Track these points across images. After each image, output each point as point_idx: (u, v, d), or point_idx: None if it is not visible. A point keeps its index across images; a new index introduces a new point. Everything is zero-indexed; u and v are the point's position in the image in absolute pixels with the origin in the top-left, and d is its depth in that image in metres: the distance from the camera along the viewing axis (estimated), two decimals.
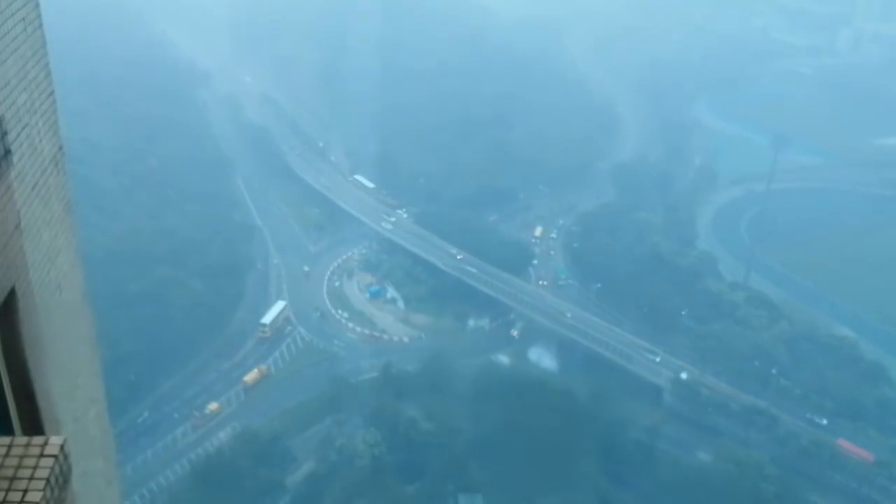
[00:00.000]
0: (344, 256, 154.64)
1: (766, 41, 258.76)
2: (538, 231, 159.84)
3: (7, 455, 7.49)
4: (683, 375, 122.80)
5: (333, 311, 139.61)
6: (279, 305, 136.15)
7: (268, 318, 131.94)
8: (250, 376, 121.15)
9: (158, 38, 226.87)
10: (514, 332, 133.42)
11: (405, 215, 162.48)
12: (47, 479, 7.30)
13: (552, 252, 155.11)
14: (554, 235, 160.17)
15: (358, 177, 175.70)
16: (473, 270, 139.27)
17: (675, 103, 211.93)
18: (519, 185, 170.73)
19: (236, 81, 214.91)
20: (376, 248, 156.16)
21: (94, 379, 11.00)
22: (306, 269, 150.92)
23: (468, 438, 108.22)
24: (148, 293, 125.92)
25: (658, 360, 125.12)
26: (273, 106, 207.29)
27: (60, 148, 9.45)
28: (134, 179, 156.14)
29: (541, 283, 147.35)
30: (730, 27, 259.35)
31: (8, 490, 7.17)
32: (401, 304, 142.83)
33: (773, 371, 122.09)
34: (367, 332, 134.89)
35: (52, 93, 9.16)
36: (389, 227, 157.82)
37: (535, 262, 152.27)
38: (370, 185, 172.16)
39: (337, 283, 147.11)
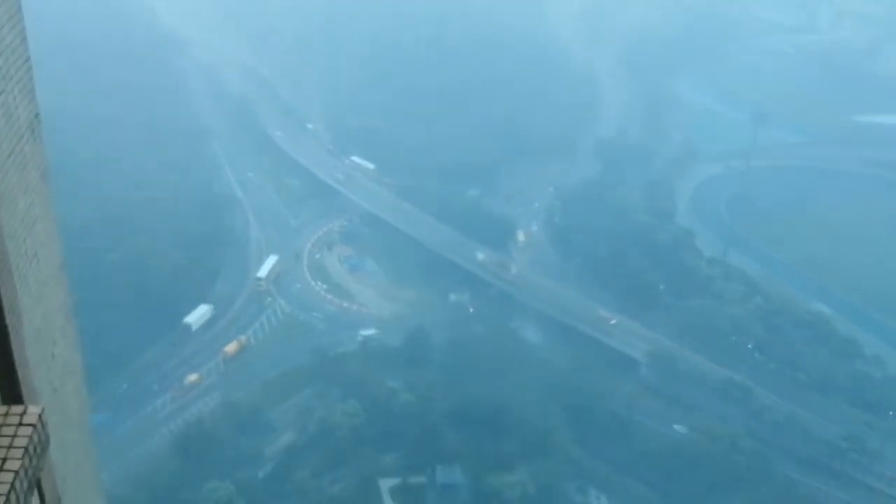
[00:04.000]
0: (325, 229, 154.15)
1: (749, 18, 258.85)
2: (521, 236, 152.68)
3: None
4: (480, 255, 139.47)
5: (313, 283, 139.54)
6: (272, 260, 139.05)
7: (263, 272, 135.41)
8: (230, 347, 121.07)
9: (138, 4, 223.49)
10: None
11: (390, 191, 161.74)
12: (26, 448, 7.31)
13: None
14: (535, 228, 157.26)
15: (355, 158, 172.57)
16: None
17: (657, 78, 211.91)
18: (501, 159, 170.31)
19: (217, 50, 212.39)
20: (357, 220, 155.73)
21: (71, 350, 10.97)
22: (250, 174, 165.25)
23: (446, 409, 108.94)
24: (127, 263, 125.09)
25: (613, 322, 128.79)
26: (254, 76, 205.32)
27: (37, 115, 9.34)
28: (112, 148, 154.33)
29: (520, 235, 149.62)
30: (713, 2, 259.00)
31: None
32: (380, 276, 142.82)
33: (749, 346, 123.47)
34: (345, 304, 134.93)
35: (27, 59, 9.03)
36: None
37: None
38: (370, 166, 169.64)
39: (317, 256, 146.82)
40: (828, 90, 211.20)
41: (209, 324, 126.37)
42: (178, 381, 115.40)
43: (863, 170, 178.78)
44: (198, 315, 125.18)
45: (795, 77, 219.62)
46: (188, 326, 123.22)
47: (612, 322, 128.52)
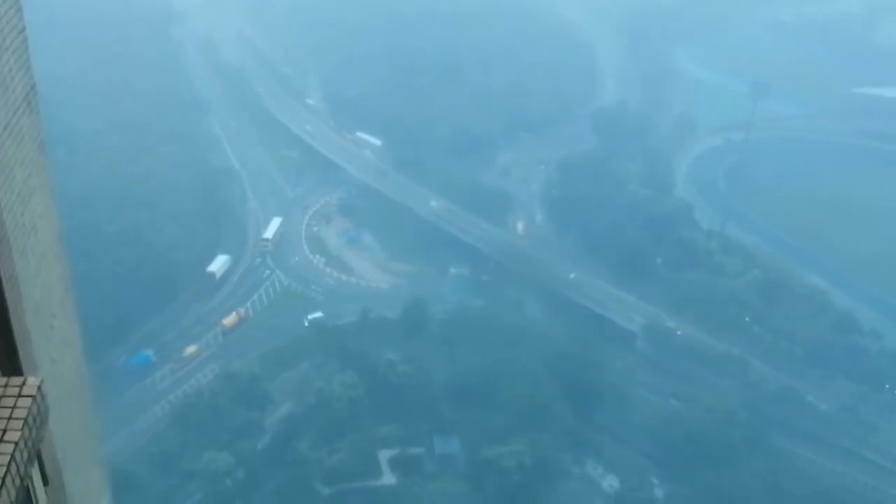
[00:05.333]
0: (322, 202, 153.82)
1: None
2: (520, 227, 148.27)
3: None
4: (433, 203, 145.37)
5: (311, 255, 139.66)
6: (276, 221, 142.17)
7: (269, 234, 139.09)
8: (229, 319, 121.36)
9: None
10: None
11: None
12: (25, 419, 7.34)
13: None
14: (539, 218, 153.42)
15: (361, 134, 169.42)
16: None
17: (656, 49, 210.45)
18: (498, 131, 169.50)
19: (212, 20, 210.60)
20: (355, 193, 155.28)
21: (70, 322, 10.98)
22: (233, 123, 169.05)
23: (444, 382, 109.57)
24: (125, 236, 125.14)
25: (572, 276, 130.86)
26: (250, 47, 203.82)
27: (33, 87, 9.27)
28: (108, 120, 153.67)
29: (518, 226, 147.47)
30: None
31: None
32: (378, 249, 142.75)
33: (746, 318, 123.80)
34: (344, 277, 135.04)
35: (23, 30, 8.96)
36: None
37: None
38: (376, 141, 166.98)
39: (315, 229, 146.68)
40: (828, 61, 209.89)
41: (207, 296, 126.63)
42: (177, 353, 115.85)
43: (862, 142, 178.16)
44: (219, 264, 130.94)
45: (795, 48, 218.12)
46: (212, 275, 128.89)
47: (679, 333, 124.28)
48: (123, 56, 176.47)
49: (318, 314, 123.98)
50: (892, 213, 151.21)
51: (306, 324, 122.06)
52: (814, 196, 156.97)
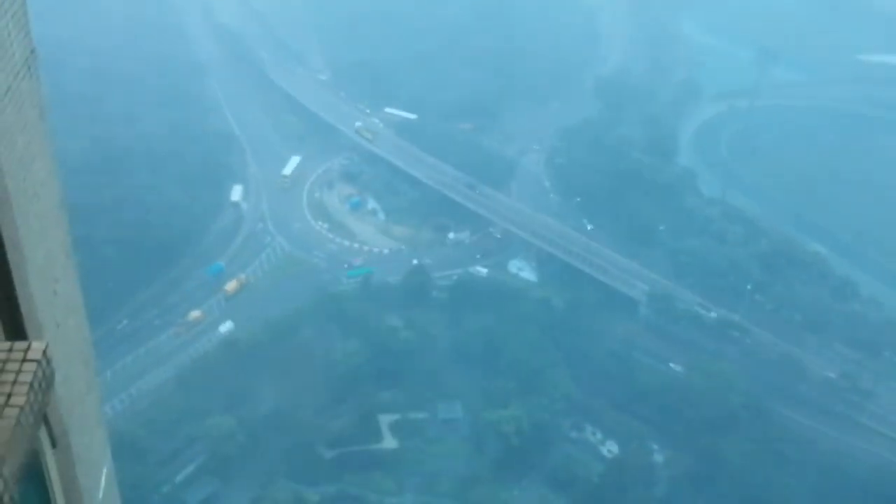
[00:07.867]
0: (324, 167, 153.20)
1: None
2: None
3: None
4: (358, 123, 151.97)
5: (313, 221, 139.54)
6: (295, 160, 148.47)
7: (288, 170, 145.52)
8: (230, 286, 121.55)
9: None
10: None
11: None
12: (30, 383, 7.40)
13: None
14: (542, 187, 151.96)
15: (390, 109, 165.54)
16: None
17: (660, 14, 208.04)
18: (501, 96, 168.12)
19: None
20: (357, 158, 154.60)
21: (72, 286, 11.02)
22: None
23: (447, 347, 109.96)
24: (125, 200, 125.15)
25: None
26: (250, 10, 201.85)
27: (33, 51, 9.21)
28: (109, 84, 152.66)
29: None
30: None
31: None
32: (381, 215, 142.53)
33: (747, 286, 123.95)
34: (346, 242, 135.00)
35: None
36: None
37: None
38: (411, 116, 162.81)
39: (317, 194, 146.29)
40: (833, 28, 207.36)
41: (206, 263, 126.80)
42: (180, 317, 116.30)
43: (866, 110, 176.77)
44: (238, 193, 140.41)
45: (801, 14, 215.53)
46: (237, 204, 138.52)
47: (713, 314, 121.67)
48: (124, 18, 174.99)
49: (229, 323, 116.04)
50: (893, 180, 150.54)
51: (223, 330, 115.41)
52: (816, 164, 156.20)
